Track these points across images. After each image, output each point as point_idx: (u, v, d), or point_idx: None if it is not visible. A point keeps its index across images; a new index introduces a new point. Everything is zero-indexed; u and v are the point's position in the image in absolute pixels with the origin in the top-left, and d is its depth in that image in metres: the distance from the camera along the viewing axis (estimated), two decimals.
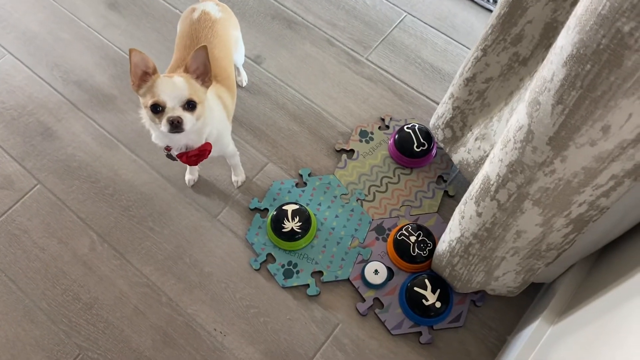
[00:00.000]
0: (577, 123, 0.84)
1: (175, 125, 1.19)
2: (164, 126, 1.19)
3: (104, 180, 1.73)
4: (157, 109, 1.19)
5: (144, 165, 1.75)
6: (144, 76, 1.21)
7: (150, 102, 1.19)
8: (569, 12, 1.14)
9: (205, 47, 1.21)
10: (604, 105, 0.79)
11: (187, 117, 1.20)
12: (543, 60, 1.24)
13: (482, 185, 1.14)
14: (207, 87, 1.28)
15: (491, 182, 1.10)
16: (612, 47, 0.73)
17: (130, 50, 1.16)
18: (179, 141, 1.31)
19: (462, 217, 1.27)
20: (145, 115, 1.28)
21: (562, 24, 1.18)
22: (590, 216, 1.06)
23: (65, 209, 1.69)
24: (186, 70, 1.24)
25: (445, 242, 1.40)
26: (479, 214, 1.18)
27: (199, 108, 1.23)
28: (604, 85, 0.77)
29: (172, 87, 1.19)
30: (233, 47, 1.57)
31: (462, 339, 1.51)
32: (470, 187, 1.22)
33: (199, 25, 1.45)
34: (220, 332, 1.51)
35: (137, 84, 1.21)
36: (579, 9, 0.76)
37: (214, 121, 1.35)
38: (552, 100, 0.85)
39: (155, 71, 1.21)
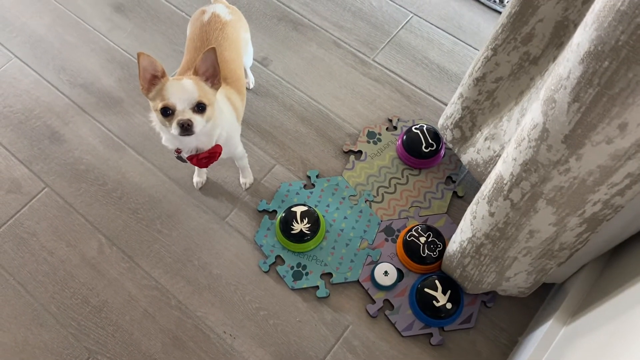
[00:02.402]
0: (594, 121, 0.83)
1: (186, 128, 1.18)
2: (174, 129, 1.19)
3: (111, 183, 1.73)
4: (167, 112, 1.19)
5: (151, 167, 1.75)
6: (153, 80, 1.20)
7: (160, 105, 1.19)
8: (580, 11, 1.14)
9: (214, 49, 1.21)
10: (621, 103, 0.79)
11: (197, 120, 1.20)
12: (554, 59, 1.24)
13: (495, 185, 1.13)
14: (217, 89, 1.28)
15: (504, 182, 1.09)
16: (631, 43, 0.72)
17: (139, 54, 1.15)
18: (190, 144, 1.31)
19: (474, 217, 1.26)
20: (155, 118, 1.27)
21: (574, 22, 1.17)
22: (605, 215, 1.05)
23: (73, 212, 1.68)
24: (195, 73, 1.24)
25: (456, 242, 1.40)
26: (492, 214, 1.18)
27: (208, 110, 1.22)
28: (622, 83, 0.76)
29: (182, 89, 1.19)
30: (243, 50, 1.57)
31: (473, 340, 1.50)
32: (483, 187, 1.22)
33: (209, 28, 1.45)
34: (230, 335, 1.51)
35: (147, 87, 1.21)
36: (597, 6, 0.76)
37: (223, 123, 1.35)
38: (568, 98, 0.85)
39: (164, 74, 1.20)
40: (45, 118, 1.85)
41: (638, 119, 0.80)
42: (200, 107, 1.21)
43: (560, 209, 1.04)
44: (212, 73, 1.25)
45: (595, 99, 0.81)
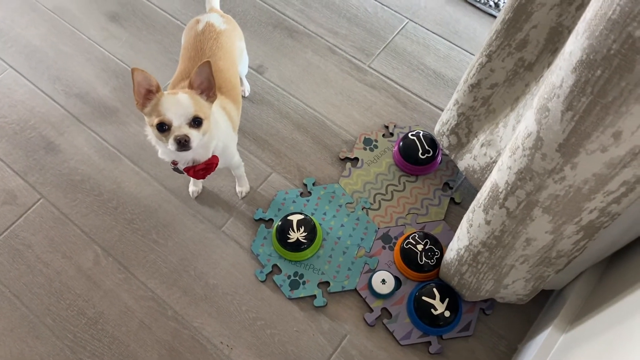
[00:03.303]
0: (588, 129, 0.83)
1: (183, 144, 1.18)
2: (171, 145, 1.18)
3: (107, 193, 1.72)
4: (163, 127, 1.18)
5: (147, 177, 1.74)
6: (148, 94, 1.20)
7: (156, 121, 1.18)
8: (574, 17, 1.13)
9: (208, 63, 1.20)
10: (615, 111, 0.78)
11: (194, 134, 1.19)
12: (549, 65, 1.23)
13: (490, 193, 1.13)
14: (212, 102, 1.27)
15: (500, 190, 1.08)
16: (623, 52, 0.71)
17: (133, 70, 1.15)
18: (186, 156, 1.30)
19: (471, 225, 1.25)
20: (151, 133, 1.27)
21: (568, 28, 1.17)
22: (601, 223, 1.04)
23: (68, 223, 1.68)
24: (190, 86, 1.23)
25: (453, 250, 1.39)
26: (488, 222, 1.17)
27: (204, 124, 1.22)
28: (615, 91, 0.76)
29: (177, 105, 1.18)
30: (238, 59, 1.57)
31: (471, 348, 1.49)
32: (479, 195, 1.21)
33: (203, 37, 1.45)
34: (227, 345, 1.50)
35: (142, 102, 1.20)
36: (588, 14, 0.75)
37: (219, 134, 1.34)
38: (561, 107, 0.84)
39: (159, 89, 1.19)
40: (41, 128, 1.84)
41: (632, 127, 0.79)
42: (196, 122, 1.20)
43: (556, 217, 1.03)
44: (207, 86, 1.24)
45: (588, 107, 0.80)
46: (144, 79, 1.16)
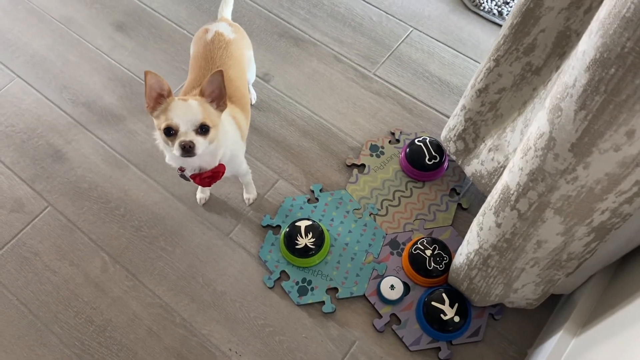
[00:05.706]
0: (601, 128, 0.83)
1: (187, 150, 1.18)
2: (176, 150, 1.19)
3: (114, 200, 1.72)
4: (170, 132, 1.19)
5: (154, 184, 1.75)
6: (159, 98, 1.20)
7: (163, 125, 1.18)
8: (582, 20, 1.14)
9: (221, 72, 1.21)
10: (628, 109, 0.78)
11: (200, 141, 1.19)
12: (557, 69, 1.24)
13: (501, 195, 1.13)
14: (222, 111, 1.27)
15: (511, 192, 1.09)
16: (637, 49, 0.72)
17: (146, 73, 1.15)
18: (193, 163, 1.30)
19: (481, 229, 1.26)
20: (158, 136, 1.27)
21: (576, 32, 1.18)
22: (613, 224, 1.04)
23: (76, 231, 1.67)
24: (201, 94, 1.24)
25: (463, 254, 1.39)
26: (499, 225, 1.17)
27: (212, 132, 1.22)
28: (628, 89, 0.76)
29: (186, 110, 1.19)
30: (246, 67, 1.57)
31: (481, 353, 1.48)
32: (489, 198, 1.21)
33: (213, 46, 1.46)
34: (236, 352, 1.49)
35: (152, 106, 1.21)
36: (602, 13, 0.76)
37: (227, 142, 1.34)
38: (574, 106, 0.84)
39: (170, 94, 1.20)
40: (48, 137, 1.85)
41: None
42: (203, 129, 1.20)
43: (568, 219, 1.04)
44: (218, 95, 1.24)
45: (602, 106, 0.81)
46: (156, 82, 1.17)
